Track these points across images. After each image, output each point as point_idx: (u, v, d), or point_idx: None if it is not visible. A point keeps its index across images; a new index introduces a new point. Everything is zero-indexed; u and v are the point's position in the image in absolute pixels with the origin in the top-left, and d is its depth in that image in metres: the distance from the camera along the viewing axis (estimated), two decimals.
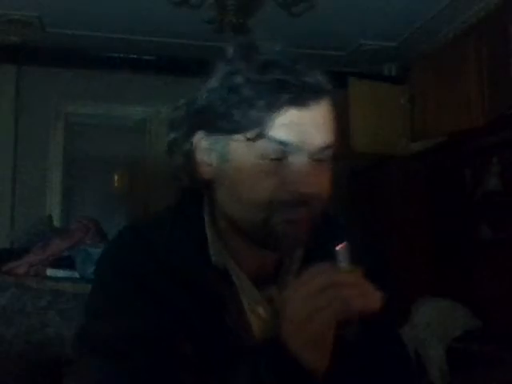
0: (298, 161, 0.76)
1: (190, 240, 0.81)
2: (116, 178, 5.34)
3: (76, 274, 2.03)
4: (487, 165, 2.90)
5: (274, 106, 0.74)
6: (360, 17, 3.33)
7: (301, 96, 0.75)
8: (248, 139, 0.75)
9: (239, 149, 0.77)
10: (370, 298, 0.67)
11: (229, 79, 0.76)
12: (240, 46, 0.80)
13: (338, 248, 0.69)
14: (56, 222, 3.23)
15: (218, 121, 0.77)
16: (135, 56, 3.97)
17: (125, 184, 5.38)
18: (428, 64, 3.56)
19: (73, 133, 4.21)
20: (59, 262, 2.10)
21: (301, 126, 0.76)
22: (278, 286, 0.83)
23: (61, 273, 2.06)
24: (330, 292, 0.67)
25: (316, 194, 0.77)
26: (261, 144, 0.75)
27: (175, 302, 0.77)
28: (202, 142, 0.80)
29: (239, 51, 0.79)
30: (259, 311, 0.82)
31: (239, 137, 0.76)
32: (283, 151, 0.76)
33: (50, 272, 2.08)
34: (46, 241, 2.18)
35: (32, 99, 3.91)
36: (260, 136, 0.75)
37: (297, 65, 0.76)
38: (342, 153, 0.85)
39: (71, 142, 4.20)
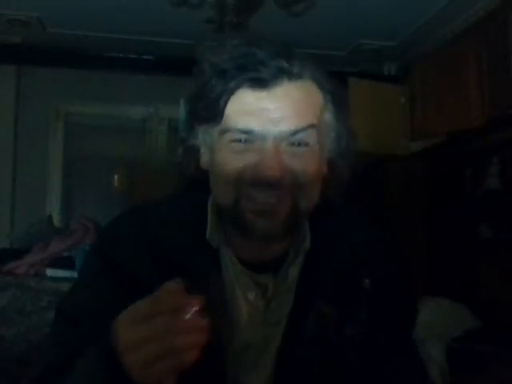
0: (262, 146, 0.76)
1: (189, 220, 0.83)
2: (116, 177, 5.33)
3: (76, 274, 2.03)
4: (487, 165, 2.90)
5: (229, 89, 0.76)
6: (360, 16, 3.33)
7: (258, 78, 0.75)
8: (216, 128, 0.78)
9: (216, 135, 0.79)
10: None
11: (200, 74, 0.80)
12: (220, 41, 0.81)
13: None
14: (56, 222, 3.23)
15: (200, 112, 0.80)
16: (135, 56, 3.96)
17: (125, 184, 5.37)
18: (428, 64, 3.55)
19: (73, 133, 4.21)
20: (59, 262, 2.10)
21: (262, 111, 0.75)
22: (276, 276, 0.84)
23: (61, 273, 2.06)
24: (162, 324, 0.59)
25: (286, 180, 0.75)
26: (228, 133, 0.77)
27: (150, 280, 0.76)
28: (200, 134, 0.82)
29: (218, 46, 0.81)
30: (248, 296, 0.83)
31: (213, 124, 0.79)
32: (248, 138, 0.76)
33: (49, 272, 2.08)
34: (46, 241, 2.17)
35: (32, 99, 3.91)
36: (226, 129, 0.77)
37: (261, 51, 0.76)
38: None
39: (71, 142, 4.20)
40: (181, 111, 2.56)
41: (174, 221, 0.83)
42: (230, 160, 0.77)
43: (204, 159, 0.83)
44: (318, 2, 3.11)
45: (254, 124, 0.75)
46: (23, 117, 3.91)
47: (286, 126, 0.75)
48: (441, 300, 2.82)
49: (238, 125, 0.76)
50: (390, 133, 3.61)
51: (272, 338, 0.84)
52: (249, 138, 0.76)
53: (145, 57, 3.98)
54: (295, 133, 0.76)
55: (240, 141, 0.76)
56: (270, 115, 0.75)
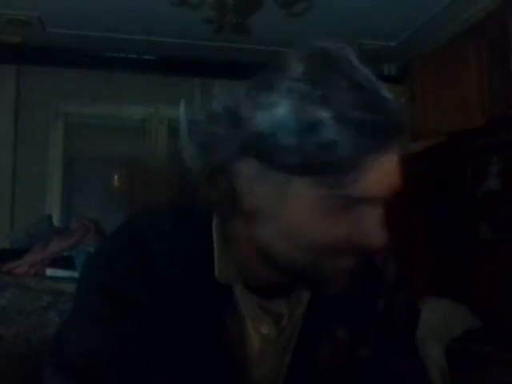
0: (369, 212, 0.66)
1: (193, 253, 0.74)
2: (116, 177, 5.33)
3: (76, 274, 2.03)
4: (487, 165, 2.90)
5: (359, 154, 0.61)
6: (360, 16, 3.33)
7: (389, 140, 0.65)
8: (322, 187, 0.62)
9: (302, 190, 0.63)
10: None
11: (303, 107, 0.61)
12: (313, 56, 0.67)
13: None
14: (56, 222, 3.23)
15: (282, 156, 0.62)
16: (135, 56, 3.97)
17: (125, 184, 5.37)
18: (428, 64, 3.56)
19: (73, 133, 4.21)
20: (59, 262, 2.10)
21: (384, 178, 0.65)
22: (288, 300, 0.78)
23: (61, 273, 2.06)
24: None
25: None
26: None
27: (163, 324, 0.72)
28: (253, 170, 0.65)
29: (314, 65, 0.65)
30: (262, 330, 0.77)
31: (308, 179, 0.62)
32: (355, 203, 0.64)
33: (49, 272, 2.08)
34: (45, 241, 2.18)
35: (32, 99, 3.91)
36: (337, 187, 0.62)
37: (386, 100, 0.66)
38: None
39: (71, 141, 4.20)
40: (181, 111, 2.55)
41: (180, 255, 0.74)
42: (323, 225, 0.64)
43: (253, 200, 0.66)
44: (317, 2, 3.11)
45: (372, 191, 0.64)
46: (23, 117, 3.91)
47: (392, 190, 0.69)
48: (441, 300, 2.82)
49: (354, 189, 0.62)
50: None
51: (282, 366, 0.79)
52: (355, 203, 0.64)
53: (145, 57, 3.98)
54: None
55: (339, 206, 0.63)
56: (390, 180, 0.67)
